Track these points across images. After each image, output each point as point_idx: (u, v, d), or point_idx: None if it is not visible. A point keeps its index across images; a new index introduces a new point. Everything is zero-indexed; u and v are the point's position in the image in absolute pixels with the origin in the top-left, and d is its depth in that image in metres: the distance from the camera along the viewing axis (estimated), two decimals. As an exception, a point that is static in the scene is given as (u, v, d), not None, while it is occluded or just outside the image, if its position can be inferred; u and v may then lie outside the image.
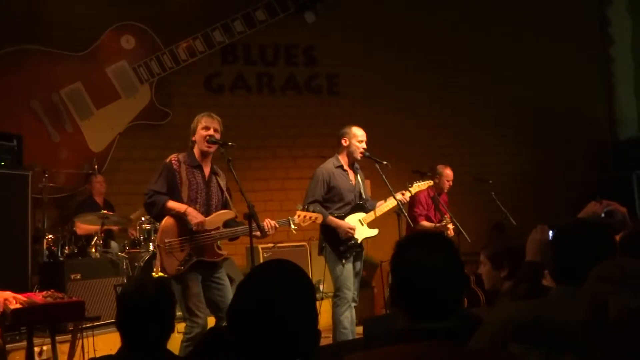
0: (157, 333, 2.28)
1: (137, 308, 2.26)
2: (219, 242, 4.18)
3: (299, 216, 4.34)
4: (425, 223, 6.19)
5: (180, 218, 4.05)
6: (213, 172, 4.27)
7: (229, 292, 4.15)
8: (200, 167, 4.19)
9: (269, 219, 4.18)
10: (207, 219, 4.09)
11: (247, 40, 7.69)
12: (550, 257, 2.15)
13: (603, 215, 2.57)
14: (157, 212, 4.08)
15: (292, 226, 4.32)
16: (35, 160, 6.23)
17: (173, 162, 4.14)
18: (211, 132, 4.17)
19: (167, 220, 4.06)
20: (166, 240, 4.02)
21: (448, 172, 6.36)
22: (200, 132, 4.16)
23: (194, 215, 4.01)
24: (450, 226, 5.83)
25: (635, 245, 2.20)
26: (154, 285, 2.33)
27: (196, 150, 4.22)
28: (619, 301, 1.67)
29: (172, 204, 4.04)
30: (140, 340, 2.26)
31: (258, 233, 4.03)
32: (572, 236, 2.14)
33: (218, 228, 4.14)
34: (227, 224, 4.21)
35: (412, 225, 5.31)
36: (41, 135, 6.78)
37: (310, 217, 4.40)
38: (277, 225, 4.19)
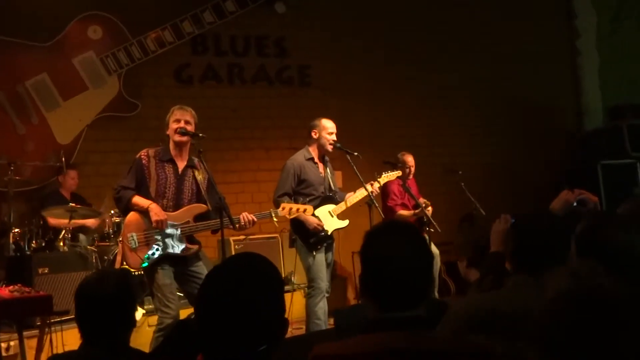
0: (117, 327, 2.21)
1: (96, 301, 2.18)
2: (193, 235, 4.15)
3: (283, 209, 4.34)
4: (403, 212, 6.26)
5: (146, 213, 4.03)
6: (190, 165, 4.23)
7: None
8: (172, 161, 4.16)
9: (246, 213, 4.16)
10: (173, 214, 4.08)
11: (217, 30, 7.62)
12: (508, 247, 2.17)
13: (575, 204, 2.60)
14: (123, 207, 4.11)
15: (274, 219, 4.32)
16: (1, 152, 6.11)
17: (142, 157, 4.14)
18: (182, 124, 4.13)
19: (131, 216, 4.07)
20: (128, 235, 4.01)
21: (409, 159, 6.44)
22: (172, 125, 4.14)
23: (156, 212, 3.99)
24: (430, 208, 5.95)
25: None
26: (114, 278, 2.25)
27: (171, 144, 4.19)
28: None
29: (137, 199, 4.04)
30: (100, 335, 2.18)
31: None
32: (529, 226, 2.15)
33: (188, 222, 4.11)
34: (201, 217, 4.17)
35: (388, 216, 5.37)
36: (6, 127, 6.63)
37: (298, 209, 4.41)
38: (255, 219, 4.18)
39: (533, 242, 2.09)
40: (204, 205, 4.18)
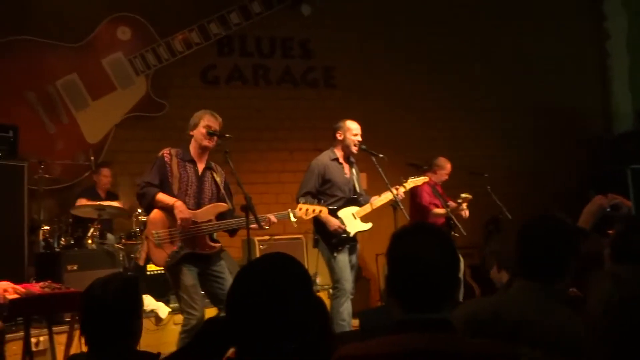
0: (119, 334, 2.14)
1: (96, 308, 2.15)
2: (214, 234, 4.19)
3: (300, 209, 4.34)
4: (437, 210, 6.25)
5: (170, 210, 4.05)
6: (208, 167, 4.28)
7: (229, 284, 4.16)
8: (193, 162, 4.21)
9: (270, 215, 4.19)
10: (197, 211, 4.11)
11: (243, 32, 7.68)
12: (513, 252, 2.13)
13: (609, 209, 2.57)
14: (147, 204, 4.11)
15: (293, 219, 4.33)
16: (31, 151, 6.21)
17: (165, 155, 4.17)
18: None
19: (155, 213, 4.09)
20: (154, 232, 4.03)
21: (449, 166, 6.51)
22: (202, 130, 4.17)
23: (181, 210, 4.01)
24: (465, 205, 5.96)
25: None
26: (116, 287, 2.19)
27: (193, 146, 4.23)
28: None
29: (161, 196, 4.07)
30: (103, 343, 2.14)
31: (255, 225, 4.02)
32: (533, 231, 2.11)
33: (210, 220, 4.14)
34: (222, 216, 4.21)
35: (419, 215, 5.43)
36: (37, 126, 6.76)
37: (314, 210, 4.40)
38: (274, 220, 4.20)
39: (534, 248, 2.06)
40: (226, 204, 4.21)
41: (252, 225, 3.99)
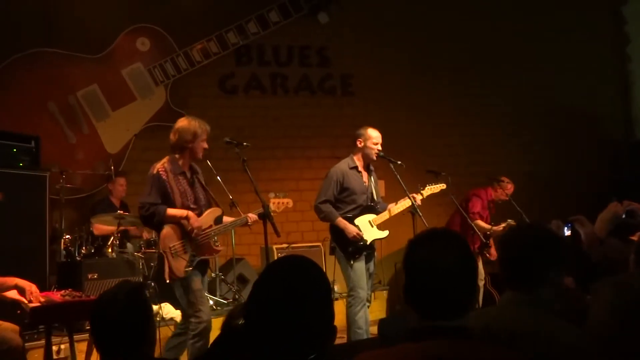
0: (129, 344, 2.15)
1: (105, 318, 2.16)
2: (215, 238, 4.31)
3: (273, 203, 4.45)
4: (480, 223, 6.30)
5: (178, 223, 4.12)
6: (193, 171, 4.32)
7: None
8: (183, 173, 4.24)
9: (250, 214, 4.36)
10: (201, 219, 4.19)
11: (260, 41, 7.73)
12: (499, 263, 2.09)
13: (624, 216, 2.54)
14: (157, 222, 4.11)
15: (272, 209, 4.36)
16: (52, 161, 6.30)
17: (161, 172, 4.14)
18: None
19: (167, 228, 4.12)
20: (170, 245, 4.09)
21: (510, 187, 6.63)
22: (202, 145, 4.23)
23: (195, 219, 4.11)
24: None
25: None
26: (124, 297, 2.19)
27: (186, 156, 4.23)
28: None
29: (171, 211, 4.11)
30: (114, 352, 2.15)
31: (250, 222, 4.31)
32: (511, 241, 2.07)
33: (211, 226, 4.25)
34: (218, 220, 4.33)
35: (460, 219, 5.79)
36: (58, 136, 6.86)
37: (282, 203, 4.52)
38: (254, 217, 4.32)
39: (512, 258, 2.03)
40: (220, 209, 4.34)
41: (250, 223, 4.31)
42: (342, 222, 4.84)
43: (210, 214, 4.26)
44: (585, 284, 2.13)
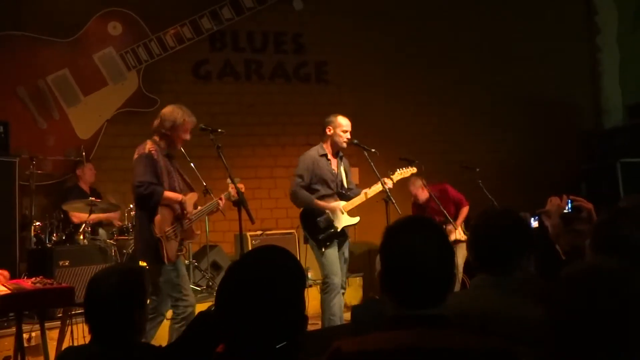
0: (122, 325, 2.12)
1: (98, 300, 2.13)
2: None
3: (232, 188, 4.42)
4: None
5: (169, 207, 4.10)
6: (169, 156, 4.28)
7: None
8: (169, 155, 4.24)
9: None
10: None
11: (235, 27, 7.66)
12: (470, 246, 2.14)
13: (570, 210, 2.58)
14: (154, 202, 4.03)
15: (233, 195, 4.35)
16: (22, 147, 6.19)
17: (152, 152, 4.10)
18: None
19: (162, 212, 4.07)
20: (166, 229, 4.07)
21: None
22: (181, 135, 4.18)
23: (190, 203, 4.19)
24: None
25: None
26: (118, 277, 2.16)
27: (164, 142, 4.19)
28: None
29: (168, 193, 4.08)
30: (105, 333, 2.12)
31: (221, 207, 4.32)
32: (480, 224, 2.12)
33: (193, 211, 4.30)
34: (195, 205, 4.36)
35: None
36: (28, 122, 6.73)
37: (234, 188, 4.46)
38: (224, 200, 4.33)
39: (481, 240, 2.08)
40: (196, 194, 4.37)
41: (221, 208, 4.31)
42: (319, 202, 4.85)
43: (191, 199, 4.27)
44: (552, 274, 2.18)
